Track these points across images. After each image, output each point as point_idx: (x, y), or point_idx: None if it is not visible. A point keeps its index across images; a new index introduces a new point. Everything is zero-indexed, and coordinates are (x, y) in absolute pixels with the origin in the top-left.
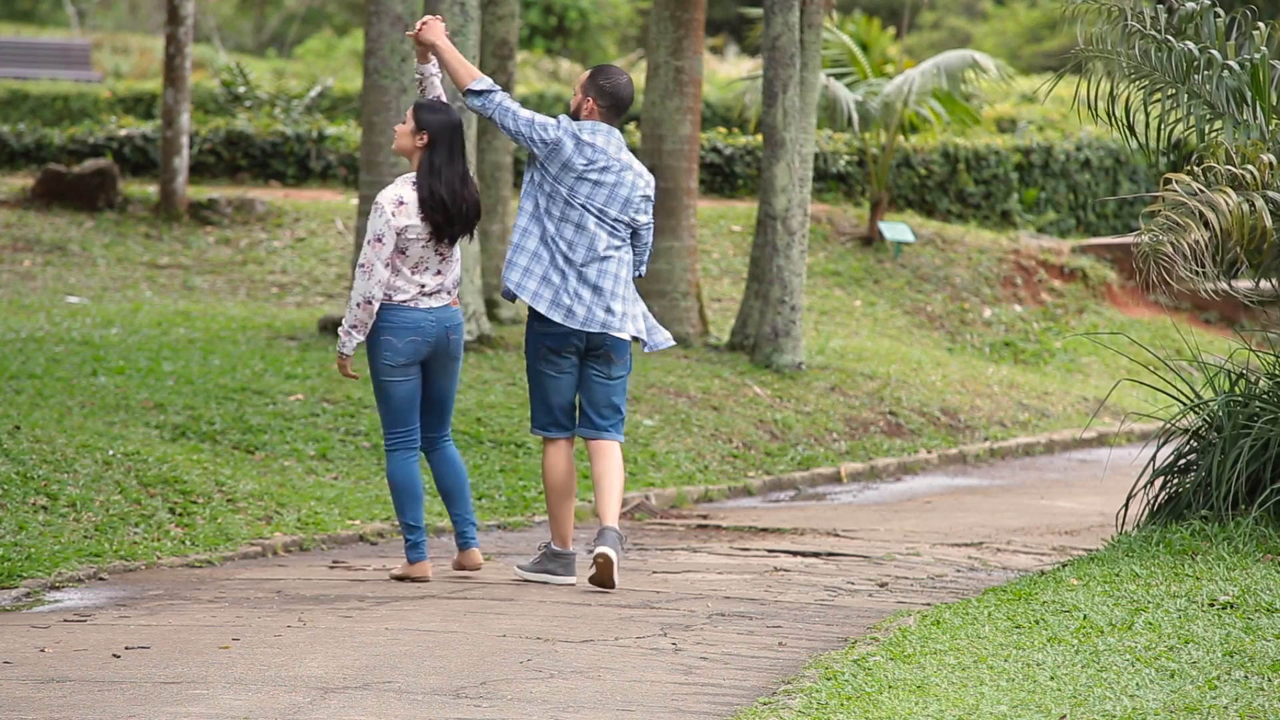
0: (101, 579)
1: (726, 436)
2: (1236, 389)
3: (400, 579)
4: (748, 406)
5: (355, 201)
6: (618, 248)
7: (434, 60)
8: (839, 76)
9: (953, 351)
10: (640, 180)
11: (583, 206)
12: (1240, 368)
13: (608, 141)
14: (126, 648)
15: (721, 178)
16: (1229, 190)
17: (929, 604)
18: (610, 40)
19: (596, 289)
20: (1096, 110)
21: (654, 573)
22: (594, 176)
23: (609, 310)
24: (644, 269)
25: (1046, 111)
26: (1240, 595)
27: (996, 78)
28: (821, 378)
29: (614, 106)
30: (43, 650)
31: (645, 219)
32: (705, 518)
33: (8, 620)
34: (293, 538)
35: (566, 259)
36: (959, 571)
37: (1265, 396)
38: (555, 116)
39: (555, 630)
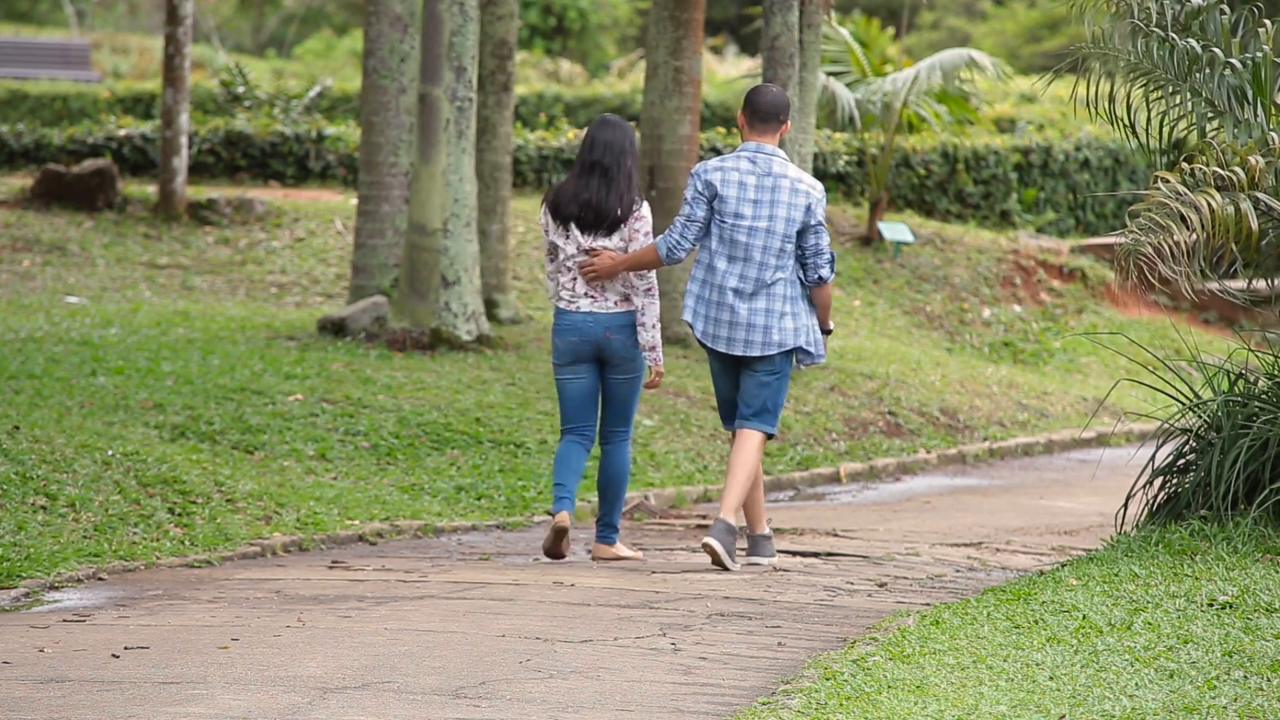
0: (101, 579)
1: (726, 437)
2: (1235, 389)
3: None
4: None
5: (354, 201)
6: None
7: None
8: (838, 75)
9: (952, 351)
10: None
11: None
12: (1239, 368)
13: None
14: (126, 648)
15: None
16: (1213, 192)
17: (928, 604)
18: (610, 40)
19: None
20: (1097, 109)
21: (653, 573)
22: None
23: None
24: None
25: (1045, 111)
26: (1239, 595)
27: (994, 76)
28: (821, 378)
29: (755, 114)
30: (42, 650)
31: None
32: (705, 518)
33: (7, 620)
34: (292, 538)
35: None
36: (958, 571)
37: (1264, 396)
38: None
39: (554, 630)
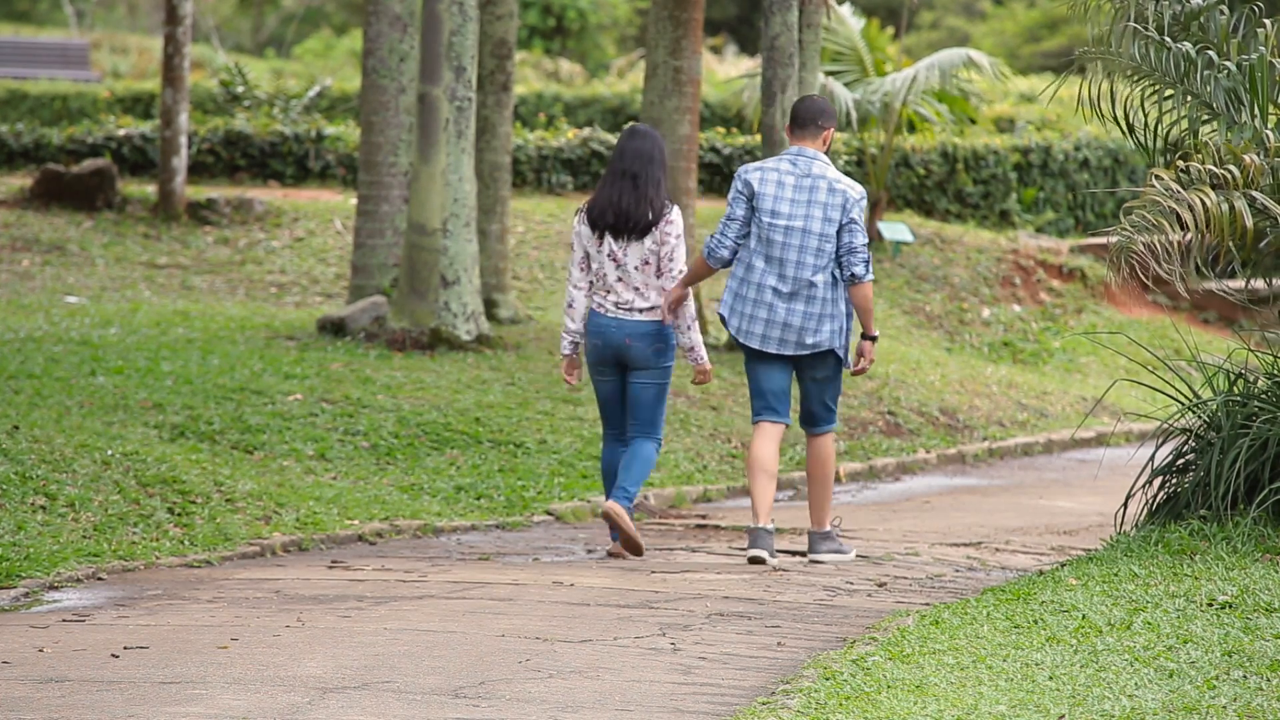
0: (100, 579)
1: (725, 436)
2: (1235, 389)
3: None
4: (746, 406)
5: (354, 201)
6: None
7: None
8: (838, 74)
9: (951, 351)
10: None
11: None
12: (1239, 367)
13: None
14: (125, 648)
15: (720, 178)
16: (1207, 190)
17: (928, 604)
18: (609, 40)
19: None
20: (1100, 110)
21: (653, 573)
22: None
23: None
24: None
25: (1045, 111)
26: (1239, 595)
27: (991, 75)
28: None
29: (793, 121)
30: (41, 650)
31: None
32: (704, 517)
33: (6, 620)
34: (291, 538)
35: None
36: (957, 571)
37: (1264, 396)
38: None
39: (554, 630)
